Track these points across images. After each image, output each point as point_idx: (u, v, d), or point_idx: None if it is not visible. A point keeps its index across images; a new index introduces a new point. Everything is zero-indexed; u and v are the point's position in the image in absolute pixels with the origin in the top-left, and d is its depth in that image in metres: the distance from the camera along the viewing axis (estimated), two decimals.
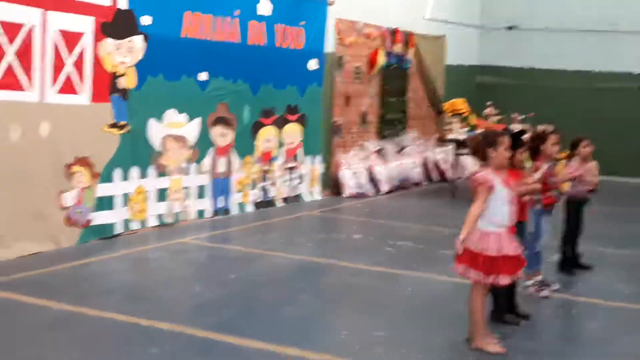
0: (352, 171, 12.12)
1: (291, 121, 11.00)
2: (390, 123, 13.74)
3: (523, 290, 6.65)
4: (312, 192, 11.50)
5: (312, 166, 11.50)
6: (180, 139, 9.05)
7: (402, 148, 13.77)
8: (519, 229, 5.87)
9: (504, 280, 5.15)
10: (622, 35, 15.74)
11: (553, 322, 6.14)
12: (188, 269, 7.36)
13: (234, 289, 6.51)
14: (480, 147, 5.18)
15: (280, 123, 10.79)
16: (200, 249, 8.10)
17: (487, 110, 13.66)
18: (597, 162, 13.94)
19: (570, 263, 7.59)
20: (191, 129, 9.21)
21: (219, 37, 9.51)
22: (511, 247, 5.11)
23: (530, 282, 6.71)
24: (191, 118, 9.19)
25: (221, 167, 9.70)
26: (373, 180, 12.48)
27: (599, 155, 14.27)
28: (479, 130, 12.66)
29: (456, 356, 5.08)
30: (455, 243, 5.01)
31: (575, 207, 7.46)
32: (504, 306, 5.88)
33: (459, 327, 5.45)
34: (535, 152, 6.66)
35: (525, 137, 6.40)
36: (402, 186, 13.19)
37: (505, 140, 5.17)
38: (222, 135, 9.68)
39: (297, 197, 11.17)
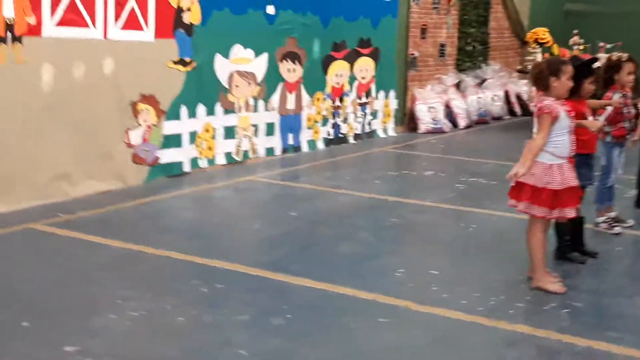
0: (429, 106, 11.82)
1: (364, 55, 10.74)
2: (470, 55, 13.30)
3: (595, 227, 6.38)
4: (386, 128, 11.29)
5: (386, 101, 11.26)
6: (247, 75, 8.95)
7: (483, 81, 13.32)
8: (587, 161, 5.59)
9: (570, 213, 4.91)
10: None
11: (622, 260, 5.83)
12: (251, 206, 7.33)
13: (294, 227, 6.44)
14: (542, 75, 4.90)
15: (352, 57, 10.55)
16: (265, 187, 8.05)
17: (573, 40, 13.09)
18: None
19: None
20: (259, 65, 9.08)
21: None
22: (573, 178, 4.87)
23: (602, 219, 6.42)
24: (258, 53, 9.05)
25: (290, 104, 9.57)
26: (450, 115, 12.16)
27: None
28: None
29: (514, 295, 4.88)
30: (511, 176, 4.78)
31: None
32: (570, 244, 5.63)
33: (521, 266, 5.25)
34: (609, 82, 6.29)
35: (597, 65, 6.04)
36: (482, 121, 12.81)
37: (569, 69, 4.88)
38: (290, 71, 9.53)
39: (370, 134, 10.99)
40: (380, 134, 11.16)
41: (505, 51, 14.50)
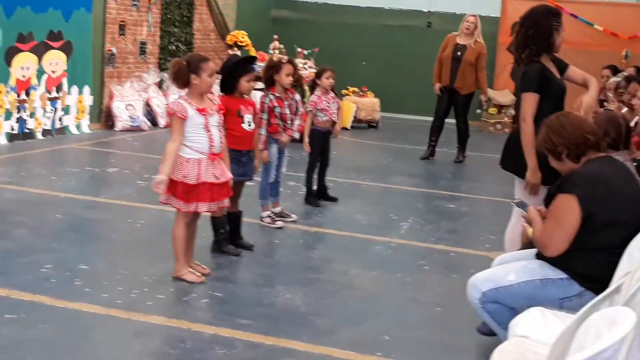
0: (127, 103, 11.63)
1: (54, 48, 10.33)
2: (174, 54, 13.22)
3: (260, 221, 6.60)
4: (80, 125, 10.92)
5: (80, 97, 10.90)
6: None
7: None
8: (238, 157, 5.70)
9: (202, 207, 5.00)
10: None
11: (276, 252, 6.06)
12: None
13: None
14: (182, 72, 4.93)
15: (41, 50, 10.09)
16: None
17: (272, 45, 13.51)
18: (382, 99, 14.25)
19: (316, 195, 7.59)
20: None
21: None
22: (211, 175, 4.94)
23: (265, 214, 6.65)
24: None
25: None
26: (150, 113, 12.06)
27: (385, 93, 14.75)
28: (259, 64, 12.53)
29: (158, 288, 4.90)
30: (154, 185, 4.82)
31: (317, 139, 7.41)
32: (227, 237, 5.75)
33: None
34: (270, 82, 6.55)
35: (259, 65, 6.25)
36: None
37: (210, 67, 4.97)
38: None
39: (62, 130, 10.56)
40: (73, 130, 10.78)
41: (211, 52, 14.63)
